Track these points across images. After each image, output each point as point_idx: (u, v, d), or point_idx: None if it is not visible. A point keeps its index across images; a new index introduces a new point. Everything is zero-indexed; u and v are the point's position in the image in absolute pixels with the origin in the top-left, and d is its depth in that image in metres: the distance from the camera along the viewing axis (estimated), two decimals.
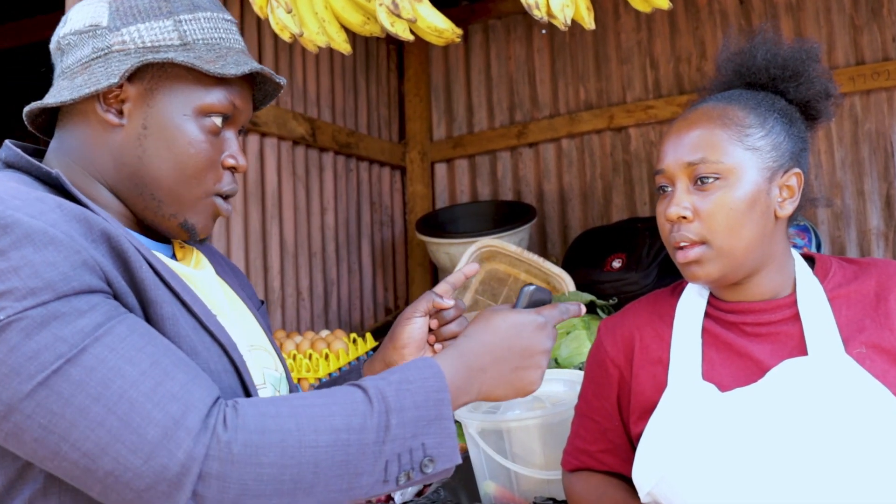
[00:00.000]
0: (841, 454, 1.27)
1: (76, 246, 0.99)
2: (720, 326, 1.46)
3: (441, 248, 3.52)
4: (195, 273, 1.24)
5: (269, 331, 1.39)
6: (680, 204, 1.40)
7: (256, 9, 2.11)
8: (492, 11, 4.07)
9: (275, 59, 3.22)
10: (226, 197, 1.24)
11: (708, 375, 1.42)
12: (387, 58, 4.20)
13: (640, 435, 1.45)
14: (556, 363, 2.48)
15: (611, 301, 2.76)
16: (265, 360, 1.30)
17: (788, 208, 1.43)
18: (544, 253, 3.88)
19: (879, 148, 3.38)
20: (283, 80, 1.28)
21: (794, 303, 1.43)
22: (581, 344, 2.49)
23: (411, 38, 2.02)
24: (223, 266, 1.38)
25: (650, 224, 3.23)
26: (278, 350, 1.38)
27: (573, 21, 1.88)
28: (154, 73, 1.17)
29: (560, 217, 3.94)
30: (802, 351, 1.38)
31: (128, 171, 1.17)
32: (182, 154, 1.17)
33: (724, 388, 1.39)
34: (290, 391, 1.35)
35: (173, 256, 1.26)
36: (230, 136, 1.23)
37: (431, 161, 4.18)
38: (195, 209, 1.20)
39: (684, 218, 1.40)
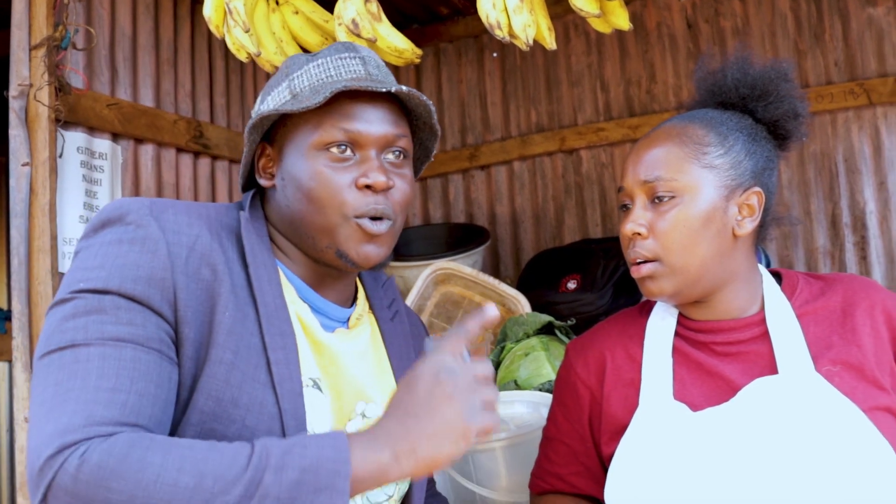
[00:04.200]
0: (812, 472, 1.28)
1: (167, 265, 1.14)
2: (690, 346, 1.46)
3: (395, 271, 3.49)
4: (332, 340, 1.30)
5: None
6: (636, 221, 1.42)
7: (213, 28, 2.07)
8: (443, 35, 4.07)
9: (226, 80, 3.16)
10: (376, 218, 1.28)
11: (679, 395, 1.41)
12: None
13: (611, 456, 1.44)
14: (516, 384, 2.46)
15: (568, 322, 2.75)
16: None
17: (748, 227, 1.43)
18: (497, 275, 3.87)
19: (824, 169, 3.45)
20: (384, 88, 1.27)
21: (763, 320, 1.43)
22: (540, 365, 2.48)
23: None
24: (407, 348, 1.44)
25: (604, 245, 3.25)
26: None
27: (524, 44, 1.86)
28: (280, 133, 1.32)
29: (513, 239, 3.94)
30: (773, 369, 1.38)
31: (287, 221, 1.31)
32: (309, 188, 1.26)
33: (695, 407, 1.39)
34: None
35: (345, 323, 1.35)
36: (367, 157, 1.28)
37: None
38: (340, 236, 1.27)
39: (639, 234, 1.41)
